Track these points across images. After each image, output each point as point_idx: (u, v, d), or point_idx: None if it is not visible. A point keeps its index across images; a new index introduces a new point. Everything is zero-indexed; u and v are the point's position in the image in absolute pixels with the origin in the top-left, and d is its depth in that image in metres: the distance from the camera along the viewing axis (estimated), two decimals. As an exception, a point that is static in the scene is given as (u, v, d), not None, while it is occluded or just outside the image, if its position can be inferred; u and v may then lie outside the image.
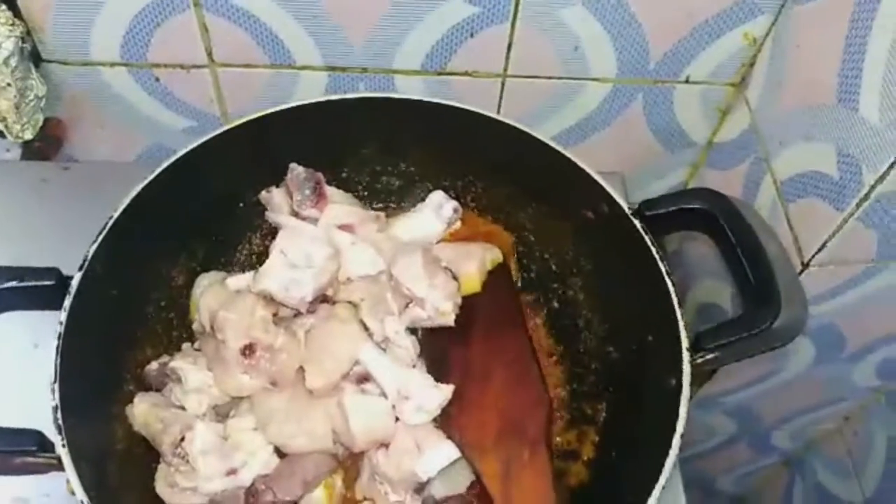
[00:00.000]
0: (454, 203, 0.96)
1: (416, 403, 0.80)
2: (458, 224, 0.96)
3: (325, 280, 0.84)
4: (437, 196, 0.96)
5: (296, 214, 0.90)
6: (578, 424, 0.89)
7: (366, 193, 1.02)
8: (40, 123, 1.09)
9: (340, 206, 0.91)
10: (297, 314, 0.85)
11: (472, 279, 0.90)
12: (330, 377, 0.81)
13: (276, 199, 0.92)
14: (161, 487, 0.79)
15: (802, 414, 1.35)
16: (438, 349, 0.86)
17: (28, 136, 1.08)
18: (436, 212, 0.95)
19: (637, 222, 0.81)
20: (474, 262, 0.91)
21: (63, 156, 1.19)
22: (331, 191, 0.92)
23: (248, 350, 0.80)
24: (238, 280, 0.86)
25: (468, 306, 0.87)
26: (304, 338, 0.82)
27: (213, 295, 0.84)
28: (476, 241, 0.94)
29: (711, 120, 1.16)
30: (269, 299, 0.83)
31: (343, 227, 0.89)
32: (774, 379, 1.26)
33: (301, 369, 0.82)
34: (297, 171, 0.91)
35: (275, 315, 0.84)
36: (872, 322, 1.12)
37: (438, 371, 0.83)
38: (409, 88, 1.09)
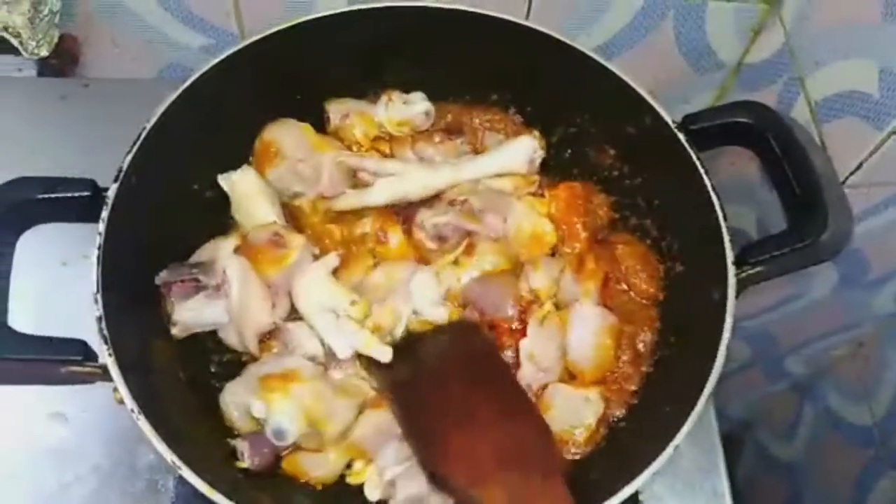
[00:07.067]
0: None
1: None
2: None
3: None
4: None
5: None
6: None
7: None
8: (55, 40, 1.06)
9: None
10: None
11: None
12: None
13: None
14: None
15: (819, 340, 1.36)
16: (415, 399, 0.79)
17: (43, 52, 1.05)
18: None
19: (681, 135, 0.80)
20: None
21: (78, 75, 1.16)
22: None
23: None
24: None
25: (439, 355, 0.82)
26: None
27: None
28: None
29: (743, 40, 1.13)
30: None
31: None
32: (795, 304, 1.27)
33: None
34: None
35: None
36: (896, 248, 1.11)
37: (416, 420, 0.77)
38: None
